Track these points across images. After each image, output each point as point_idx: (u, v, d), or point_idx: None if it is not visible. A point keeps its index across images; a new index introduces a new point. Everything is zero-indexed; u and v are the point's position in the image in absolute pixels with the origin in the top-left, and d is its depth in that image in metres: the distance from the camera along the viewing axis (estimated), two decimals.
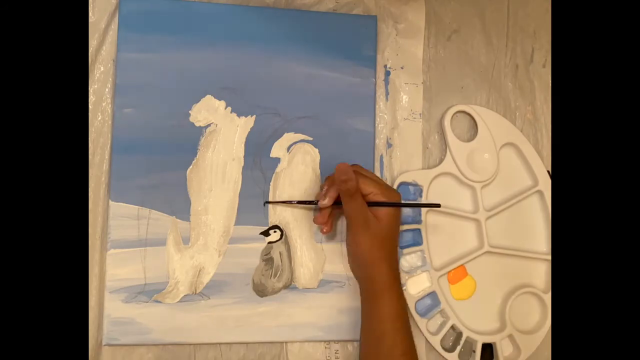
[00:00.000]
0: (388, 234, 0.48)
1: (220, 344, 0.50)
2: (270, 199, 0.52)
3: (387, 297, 0.47)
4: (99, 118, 0.50)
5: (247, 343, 0.51)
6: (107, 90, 0.51)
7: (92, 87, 0.50)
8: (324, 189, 0.49)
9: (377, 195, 0.47)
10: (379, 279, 0.47)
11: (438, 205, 0.50)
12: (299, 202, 0.51)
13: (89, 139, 0.50)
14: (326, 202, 0.48)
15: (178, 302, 0.50)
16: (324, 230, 0.50)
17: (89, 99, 0.50)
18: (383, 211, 0.47)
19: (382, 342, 0.46)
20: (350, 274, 0.52)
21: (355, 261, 0.49)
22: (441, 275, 0.54)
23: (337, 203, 0.48)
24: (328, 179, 0.50)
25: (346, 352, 0.52)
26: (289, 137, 0.52)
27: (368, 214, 0.47)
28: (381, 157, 0.54)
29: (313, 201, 0.51)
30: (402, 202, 0.49)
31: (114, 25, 0.51)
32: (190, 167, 0.51)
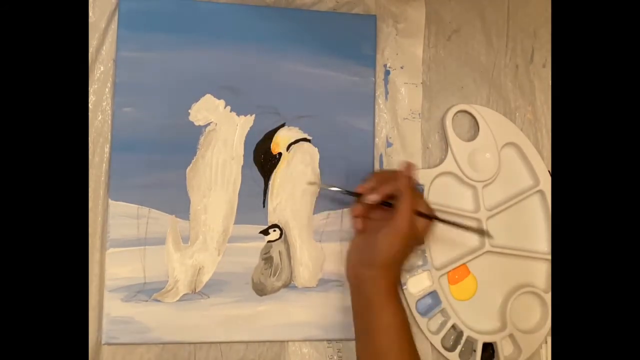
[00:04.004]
0: (414, 242, 0.47)
1: (220, 343, 0.51)
2: (270, 199, 0.52)
3: (390, 304, 0.44)
4: (99, 118, 0.50)
5: (246, 342, 0.51)
6: (107, 90, 0.51)
7: (92, 87, 0.50)
8: (369, 183, 0.48)
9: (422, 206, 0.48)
10: (384, 283, 0.45)
11: (483, 234, 0.53)
12: (347, 192, 0.49)
13: (89, 138, 0.50)
14: (375, 197, 0.47)
15: (177, 301, 0.50)
16: (359, 227, 0.48)
17: (89, 98, 0.50)
18: (422, 222, 0.47)
19: None
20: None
21: (371, 257, 0.46)
22: (442, 275, 0.54)
23: (383, 203, 0.47)
24: (376, 175, 0.49)
25: (349, 351, 0.52)
26: (288, 135, 0.52)
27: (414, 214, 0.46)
28: (381, 156, 0.54)
29: (357, 193, 0.48)
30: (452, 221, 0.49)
31: (114, 25, 0.51)
32: (190, 166, 0.51)
